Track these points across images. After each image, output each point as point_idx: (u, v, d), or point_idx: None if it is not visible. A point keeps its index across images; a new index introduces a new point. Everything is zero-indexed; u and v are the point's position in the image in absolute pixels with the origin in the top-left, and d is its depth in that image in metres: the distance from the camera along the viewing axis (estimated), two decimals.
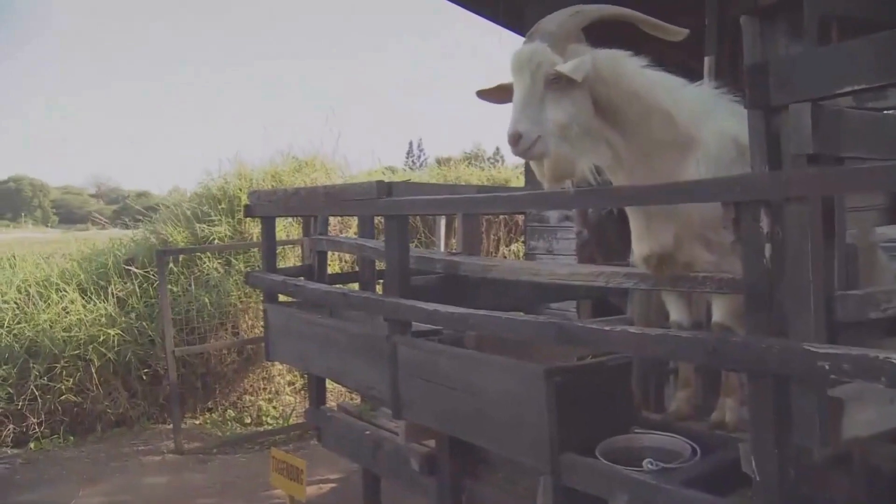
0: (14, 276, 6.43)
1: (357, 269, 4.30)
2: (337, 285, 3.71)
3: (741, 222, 1.72)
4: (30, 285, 6.30)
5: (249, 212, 3.82)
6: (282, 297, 3.90)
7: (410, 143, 38.22)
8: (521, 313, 3.05)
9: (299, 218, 6.36)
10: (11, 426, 5.77)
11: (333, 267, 7.30)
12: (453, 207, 2.71)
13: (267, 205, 3.73)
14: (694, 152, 2.17)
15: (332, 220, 7.52)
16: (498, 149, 18.04)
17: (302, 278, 3.92)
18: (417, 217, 7.87)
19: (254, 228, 7.00)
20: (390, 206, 2.80)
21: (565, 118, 2.00)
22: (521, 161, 2.83)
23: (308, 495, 5.05)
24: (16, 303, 6.10)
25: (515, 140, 1.97)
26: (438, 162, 13.60)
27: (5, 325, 5.93)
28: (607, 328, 2.02)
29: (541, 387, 2.22)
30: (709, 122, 2.21)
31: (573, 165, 2.06)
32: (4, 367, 5.72)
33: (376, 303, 2.88)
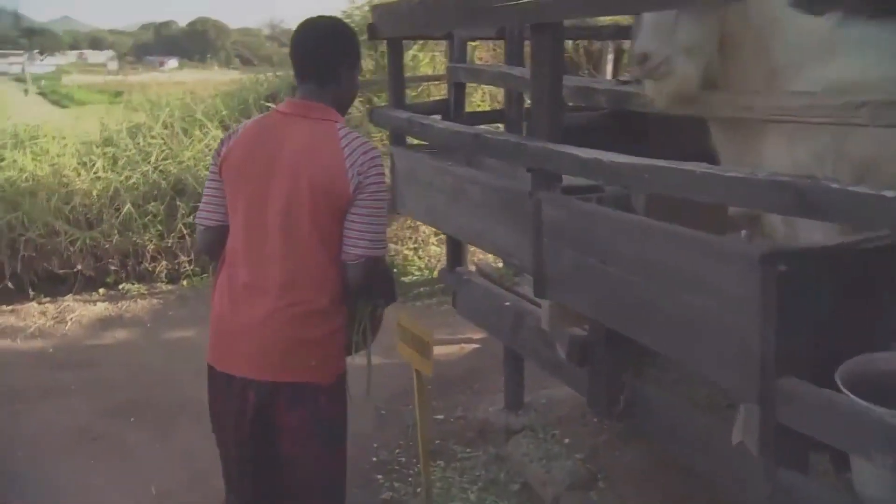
0: (161, 111, 6.29)
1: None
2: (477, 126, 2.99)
3: None
4: (175, 121, 6.13)
5: (373, 33, 3.13)
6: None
7: None
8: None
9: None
10: (164, 262, 5.82)
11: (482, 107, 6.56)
12: (634, 4, 1.86)
13: (391, 22, 3.01)
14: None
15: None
16: None
17: (435, 117, 3.24)
18: (581, 49, 6.79)
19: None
20: (536, 9, 2.00)
21: (695, 41, 1.95)
22: None
23: (447, 356, 4.71)
24: (162, 139, 5.98)
25: (642, 60, 1.94)
26: None
27: (152, 161, 5.84)
28: (889, 194, 1.20)
29: (754, 276, 1.46)
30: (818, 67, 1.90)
31: (692, 91, 1.99)
32: (153, 203, 5.68)
33: (516, 147, 2.16)
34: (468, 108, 6.46)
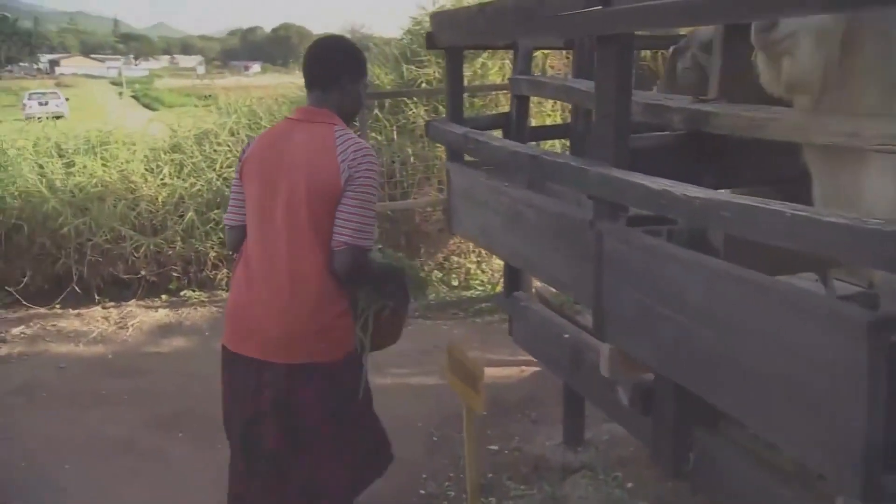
0: (228, 117, 6.30)
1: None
2: (533, 143, 2.76)
3: None
4: (241, 127, 6.12)
5: (432, 42, 2.94)
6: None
7: None
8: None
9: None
10: (225, 269, 5.79)
11: (553, 118, 6.29)
12: (717, 14, 1.58)
13: (450, 30, 2.82)
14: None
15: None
16: None
17: (493, 132, 3.03)
18: (660, 57, 6.42)
19: (469, 70, 6.14)
20: (602, 20, 1.76)
21: (827, 27, 1.66)
22: None
23: (505, 379, 4.46)
24: (228, 145, 5.97)
25: (767, 28, 1.68)
26: None
27: (217, 168, 5.83)
28: None
29: (859, 346, 1.18)
30: None
31: (811, 78, 1.72)
32: (216, 211, 5.67)
33: (576, 172, 1.92)
34: (539, 118, 6.26)
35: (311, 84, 2.18)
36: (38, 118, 7.79)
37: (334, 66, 2.17)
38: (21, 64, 74.75)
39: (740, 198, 1.40)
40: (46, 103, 26.83)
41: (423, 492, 3.25)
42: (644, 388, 2.12)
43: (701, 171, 2.08)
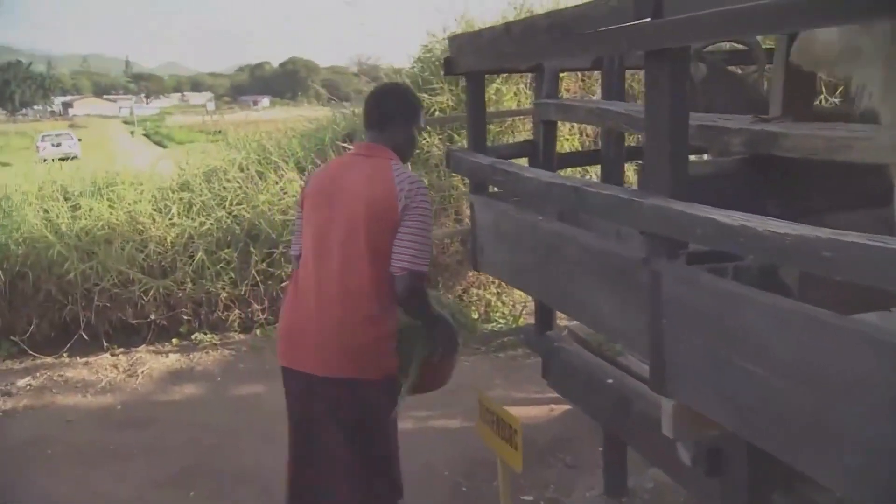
0: (237, 154, 6.13)
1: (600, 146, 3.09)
2: (563, 172, 2.54)
3: None
4: (251, 163, 5.95)
5: (450, 67, 2.74)
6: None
7: None
8: None
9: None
10: (237, 310, 5.59)
11: (570, 143, 6.08)
12: (787, 21, 1.36)
13: (470, 54, 2.61)
14: None
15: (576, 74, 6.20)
16: None
17: (516, 162, 2.81)
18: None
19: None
20: (653, 34, 1.55)
21: None
22: None
23: (534, 419, 4.17)
24: (237, 182, 5.79)
25: None
26: None
27: (226, 205, 5.65)
28: None
29: None
30: None
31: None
32: (226, 250, 5.47)
33: (627, 205, 1.70)
34: (557, 143, 6.06)
35: (368, 124, 2.40)
36: (53, 160, 7.70)
37: (390, 108, 2.38)
38: (35, 107, 75.85)
39: (843, 234, 1.17)
40: (59, 144, 27.02)
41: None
42: (710, 445, 1.87)
43: (764, 198, 1.85)
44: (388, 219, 2.21)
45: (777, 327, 1.38)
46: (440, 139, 5.92)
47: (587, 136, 6.16)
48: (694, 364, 1.63)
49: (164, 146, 30.80)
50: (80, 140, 29.31)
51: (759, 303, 1.43)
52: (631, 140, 3.18)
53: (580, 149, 5.83)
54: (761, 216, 1.36)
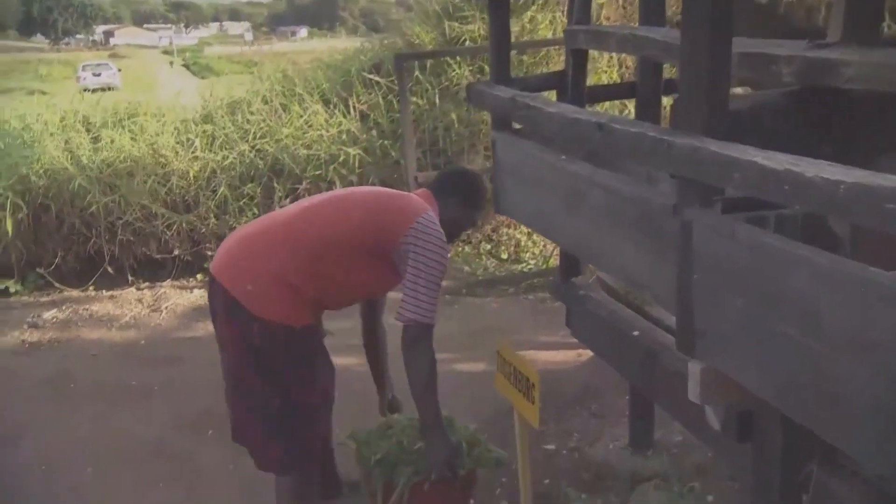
0: (261, 85, 5.94)
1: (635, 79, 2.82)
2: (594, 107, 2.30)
3: None
4: (275, 96, 5.76)
5: None
6: None
7: None
8: None
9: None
10: None
11: (609, 75, 5.73)
12: None
13: None
14: None
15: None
16: None
17: (545, 94, 2.58)
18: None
19: (517, 25, 5.61)
20: None
21: None
22: None
23: (561, 365, 4.04)
24: (261, 115, 5.62)
25: None
26: None
27: (249, 139, 5.49)
28: None
29: None
30: None
31: None
32: (250, 185, 5.36)
33: (656, 144, 1.48)
34: (594, 75, 5.72)
35: (435, 188, 2.45)
36: (92, 90, 7.61)
37: (452, 186, 2.45)
38: (77, 36, 76.00)
39: None
40: (99, 74, 27.05)
41: (472, 502, 2.90)
42: (742, 409, 1.70)
43: (817, 138, 1.62)
44: (386, 232, 2.23)
45: (826, 289, 1.19)
46: (471, 71, 5.64)
47: (626, 67, 5.80)
48: (726, 326, 1.44)
49: (204, 77, 30.63)
50: (119, 70, 29.29)
51: (806, 260, 1.23)
52: (671, 72, 2.91)
53: (618, 81, 5.49)
54: (811, 159, 1.15)
